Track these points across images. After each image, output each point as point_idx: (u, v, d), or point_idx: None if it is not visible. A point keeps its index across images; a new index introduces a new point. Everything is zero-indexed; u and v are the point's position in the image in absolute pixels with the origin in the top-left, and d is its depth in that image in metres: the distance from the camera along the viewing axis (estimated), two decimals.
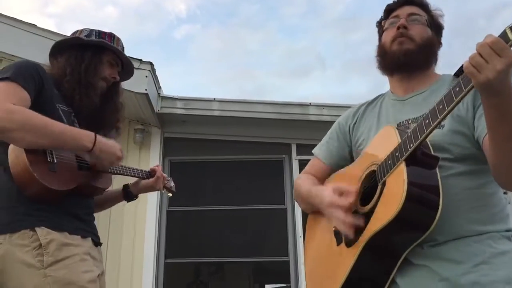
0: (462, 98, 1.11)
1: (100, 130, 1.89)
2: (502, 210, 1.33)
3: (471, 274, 1.20)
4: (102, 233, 5.26)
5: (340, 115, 1.72)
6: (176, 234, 5.16)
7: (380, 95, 1.64)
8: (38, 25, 4.87)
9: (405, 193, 1.17)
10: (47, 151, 1.65)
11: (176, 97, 5.09)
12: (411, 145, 1.21)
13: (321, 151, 1.67)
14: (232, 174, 5.47)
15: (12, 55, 4.90)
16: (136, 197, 2.14)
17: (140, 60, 4.67)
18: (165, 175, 2.18)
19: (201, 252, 5.32)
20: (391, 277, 1.26)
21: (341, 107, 4.95)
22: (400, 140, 1.27)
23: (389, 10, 1.59)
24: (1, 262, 1.58)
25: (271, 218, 5.26)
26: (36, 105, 1.66)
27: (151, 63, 4.73)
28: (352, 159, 1.59)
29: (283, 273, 5.02)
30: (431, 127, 1.18)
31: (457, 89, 1.12)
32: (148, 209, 4.92)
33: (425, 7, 1.57)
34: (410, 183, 1.18)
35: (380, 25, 1.60)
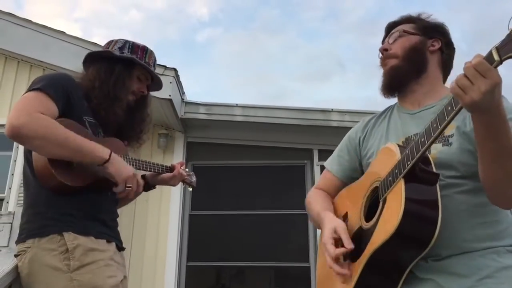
0: (453, 117, 1.13)
1: (124, 141, 1.94)
2: (509, 227, 1.33)
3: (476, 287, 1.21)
4: (126, 237, 5.36)
5: None
6: (198, 238, 5.22)
7: (389, 107, 1.66)
8: (66, 32, 5.01)
9: (402, 209, 1.18)
10: None
11: (199, 102, 5.16)
12: (408, 162, 1.23)
13: (332, 164, 1.69)
14: (254, 179, 5.51)
15: (41, 61, 5.07)
16: (154, 187, 2.16)
17: (165, 67, 4.76)
18: (183, 172, 2.17)
19: (223, 256, 5.37)
20: None
21: (363, 113, 4.95)
22: (400, 157, 1.29)
23: (382, 42, 1.64)
24: (29, 265, 1.65)
25: (293, 223, 5.28)
26: (64, 117, 1.71)
27: (175, 69, 4.81)
28: (362, 171, 1.61)
29: (305, 278, 5.03)
30: (426, 145, 1.20)
31: (449, 108, 1.14)
32: (170, 213, 5.00)
33: (409, 19, 1.60)
34: (407, 199, 1.19)
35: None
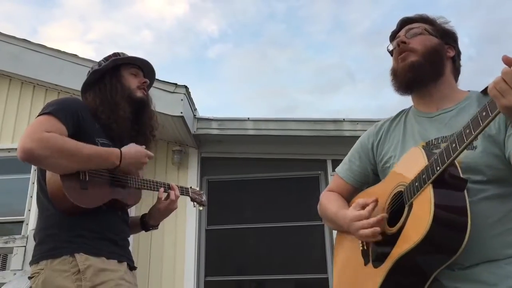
0: (488, 123, 1.12)
1: (138, 142, 1.98)
2: None
3: None
4: (144, 253, 5.36)
5: None
6: (215, 252, 5.23)
7: (402, 110, 1.62)
8: (79, 55, 5.13)
9: (432, 215, 1.17)
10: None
11: (211, 118, 5.21)
12: (438, 168, 1.22)
13: (343, 170, 1.67)
14: (268, 191, 5.52)
15: (56, 85, 5.18)
16: (155, 227, 2.15)
17: (176, 84, 4.82)
18: (177, 194, 2.10)
19: (240, 269, 5.37)
20: None
21: (375, 122, 4.93)
22: (427, 162, 1.27)
23: (393, 35, 1.60)
24: (42, 286, 1.69)
25: (309, 235, 5.27)
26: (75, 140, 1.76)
27: (185, 87, 4.87)
28: (374, 177, 1.60)
29: None
30: (458, 151, 1.18)
31: (484, 113, 1.12)
32: (187, 228, 5.04)
33: (426, 20, 1.56)
34: (437, 206, 1.19)
35: (389, 51, 1.61)
